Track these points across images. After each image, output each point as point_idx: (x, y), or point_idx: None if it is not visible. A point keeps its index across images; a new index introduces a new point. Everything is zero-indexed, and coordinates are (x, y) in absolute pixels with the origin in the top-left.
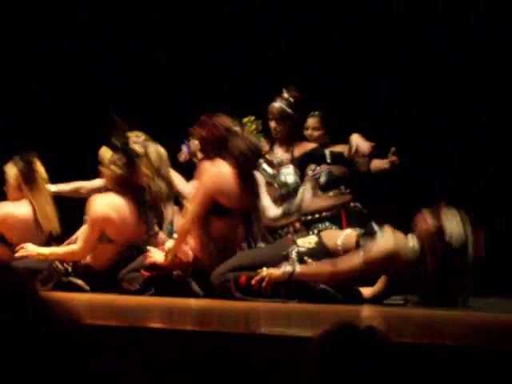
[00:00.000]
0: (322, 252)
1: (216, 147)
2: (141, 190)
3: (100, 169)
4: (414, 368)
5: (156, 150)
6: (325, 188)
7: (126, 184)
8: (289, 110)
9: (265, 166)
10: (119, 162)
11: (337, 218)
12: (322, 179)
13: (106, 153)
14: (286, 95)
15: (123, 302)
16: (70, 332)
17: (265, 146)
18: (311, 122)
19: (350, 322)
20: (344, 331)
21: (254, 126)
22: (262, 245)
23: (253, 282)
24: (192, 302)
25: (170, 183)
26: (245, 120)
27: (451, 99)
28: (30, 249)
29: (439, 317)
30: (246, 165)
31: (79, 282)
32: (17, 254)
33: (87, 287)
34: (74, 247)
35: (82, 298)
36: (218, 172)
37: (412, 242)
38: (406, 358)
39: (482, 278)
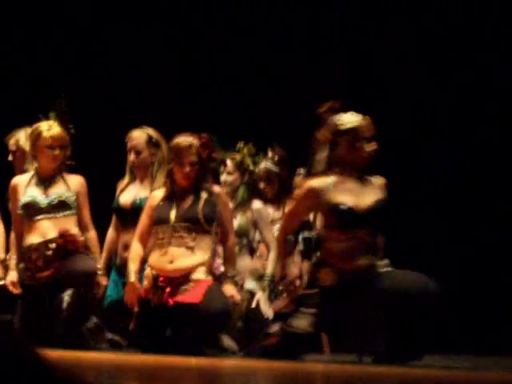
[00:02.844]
0: None
1: None
2: None
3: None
4: None
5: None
6: (317, 250)
7: None
8: (274, 170)
9: None
10: None
11: None
12: (316, 242)
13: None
14: (270, 155)
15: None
16: None
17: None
18: (297, 181)
19: None
20: None
21: (246, 150)
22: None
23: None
24: (193, 361)
25: None
26: (238, 146)
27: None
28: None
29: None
30: None
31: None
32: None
33: (124, 343)
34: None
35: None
36: None
37: None
38: None
39: None
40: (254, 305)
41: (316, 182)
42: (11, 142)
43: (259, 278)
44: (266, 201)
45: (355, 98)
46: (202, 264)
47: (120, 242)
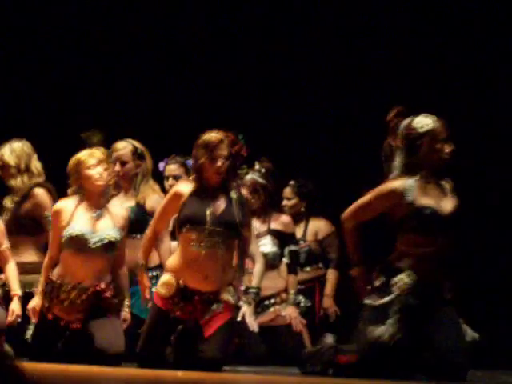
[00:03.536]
0: None
1: None
2: None
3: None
4: None
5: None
6: (304, 264)
7: None
8: (261, 181)
9: None
10: None
11: (311, 290)
12: (303, 256)
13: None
14: (257, 167)
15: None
16: None
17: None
18: (285, 192)
19: None
20: None
21: None
22: None
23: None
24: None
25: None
26: None
27: None
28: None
29: None
30: None
31: None
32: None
33: None
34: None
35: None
36: None
37: None
38: None
39: None
40: (239, 318)
41: (399, 184)
42: None
43: (245, 290)
44: (252, 213)
45: (350, 105)
46: (231, 282)
47: None
